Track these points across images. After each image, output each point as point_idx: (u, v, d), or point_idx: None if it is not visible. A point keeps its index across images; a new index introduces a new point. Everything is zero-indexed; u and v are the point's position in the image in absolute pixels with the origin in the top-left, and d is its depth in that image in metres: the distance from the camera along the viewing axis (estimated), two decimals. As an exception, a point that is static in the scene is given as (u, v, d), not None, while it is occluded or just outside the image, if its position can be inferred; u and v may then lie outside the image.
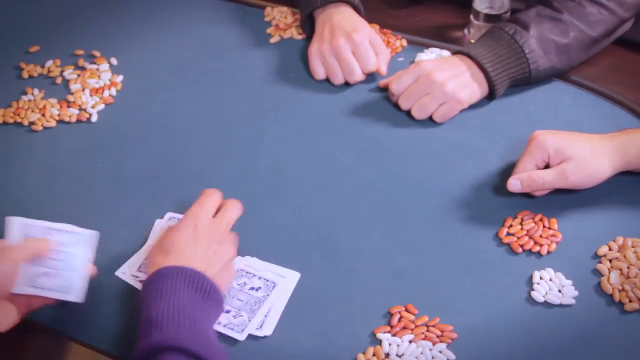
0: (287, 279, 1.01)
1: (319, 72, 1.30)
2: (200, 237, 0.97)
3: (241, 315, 0.97)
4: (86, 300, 0.96)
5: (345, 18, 1.31)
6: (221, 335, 0.95)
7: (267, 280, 1.00)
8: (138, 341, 0.87)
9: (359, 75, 1.28)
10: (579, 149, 1.07)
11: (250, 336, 0.96)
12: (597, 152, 1.07)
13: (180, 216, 1.03)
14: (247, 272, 1.01)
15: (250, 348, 0.95)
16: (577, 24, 1.25)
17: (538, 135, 1.10)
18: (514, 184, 1.09)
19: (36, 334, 0.98)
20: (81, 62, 1.34)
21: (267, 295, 0.99)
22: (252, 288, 1.00)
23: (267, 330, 0.96)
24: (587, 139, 1.09)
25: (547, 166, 1.10)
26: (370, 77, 1.30)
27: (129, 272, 1.02)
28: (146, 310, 0.89)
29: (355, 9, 1.34)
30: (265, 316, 0.97)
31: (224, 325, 0.96)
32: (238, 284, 1.00)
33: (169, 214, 1.08)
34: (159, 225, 1.07)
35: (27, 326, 0.95)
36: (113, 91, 1.29)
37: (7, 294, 0.91)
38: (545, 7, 1.26)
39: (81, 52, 1.36)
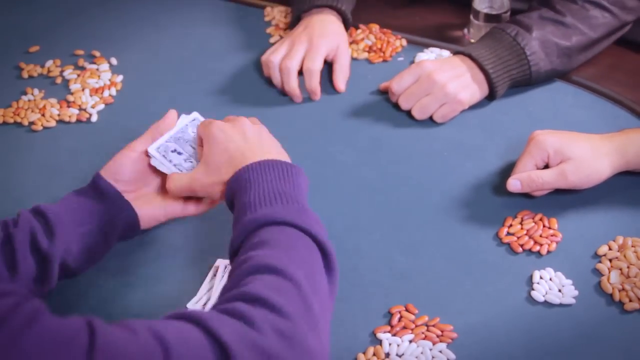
0: None
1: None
2: (248, 136, 0.99)
3: None
4: (85, 302, 0.96)
5: (323, 23, 1.30)
6: None
7: None
8: (233, 231, 0.88)
9: (293, 80, 1.26)
10: (579, 149, 1.07)
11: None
12: (597, 153, 1.07)
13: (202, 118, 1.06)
14: None
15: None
16: (580, 27, 1.25)
17: (537, 135, 1.10)
18: (514, 184, 1.09)
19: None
20: (81, 62, 1.34)
21: None
22: None
23: None
24: (586, 139, 1.09)
25: (546, 166, 1.10)
26: (371, 78, 1.30)
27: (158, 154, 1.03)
28: (236, 206, 0.91)
29: (342, 15, 1.33)
30: None
31: None
32: None
33: (194, 114, 1.08)
34: (184, 120, 1.07)
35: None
36: (113, 91, 1.30)
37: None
38: (548, 9, 1.26)
39: (81, 52, 1.36)
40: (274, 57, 1.27)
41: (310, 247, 0.86)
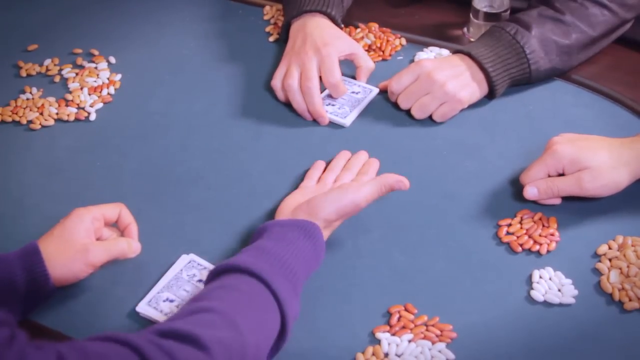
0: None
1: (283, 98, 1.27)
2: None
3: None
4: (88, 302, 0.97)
5: (319, 29, 1.26)
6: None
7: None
8: (237, 256, 0.94)
9: (318, 102, 1.22)
10: (597, 159, 1.05)
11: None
12: (616, 162, 1.05)
13: (200, 260, 1.03)
14: (198, 264, 1.04)
15: (249, 347, 0.95)
16: (579, 25, 1.24)
17: (555, 144, 1.07)
18: (531, 191, 1.08)
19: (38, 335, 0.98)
20: (80, 60, 1.34)
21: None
22: (200, 280, 1.04)
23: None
24: (606, 148, 1.06)
25: (561, 176, 1.08)
26: (370, 76, 1.29)
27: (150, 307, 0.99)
28: (259, 241, 0.97)
29: (332, 19, 1.30)
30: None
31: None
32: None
33: (190, 257, 1.04)
34: (179, 264, 1.03)
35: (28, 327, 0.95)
36: (111, 90, 1.29)
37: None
38: (547, 7, 1.26)
39: (80, 50, 1.36)
40: (291, 81, 1.22)
41: (275, 320, 0.91)
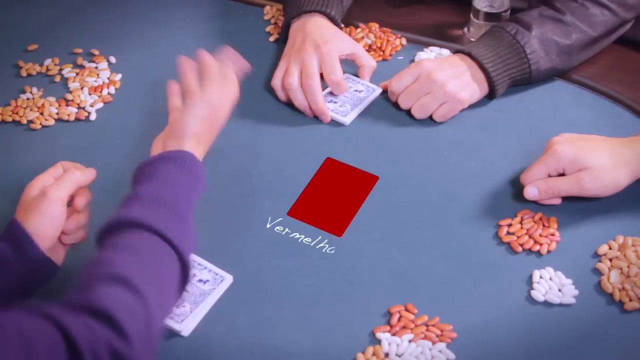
0: (225, 280, 1.00)
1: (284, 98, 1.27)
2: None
3: (184, 306, 0.97)
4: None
5: (318, 28, 1.27)
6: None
7: (217, 275, 1.01)
8: (115, 213, 0.92)
9: (320, 99, 1.22)
10: (597, 159, 1.05)
11: (249, 335, 0.96)
12: (617, 162, 1.05)
13: (200, 260, 1.02)
14: (198, 264, 1.00)
15: (250, 347, 0.95)
16: (579, 25, 1.24)
17: (555, 144, 1.07)
18: (531, 191, 1.08)
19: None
20: (80, 60, 1.34)
21: (214, 289, 0.99)
22: (200, 280, 0.99)
23: (186, 330, 0.96)
24: (607, 148, 1.06)
25: (561, 175, 1.08)
26: (371, 76, 1.29)
27: None
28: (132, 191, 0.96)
29: (332, 20, 1.30)
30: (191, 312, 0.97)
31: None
32: None
33: None
34: None
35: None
36: (112, 89, 1.29)
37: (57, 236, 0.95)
38: (548, 7, 1.26)
39: (80, 50, 1.36)
40: (291, 80, 1.22)
41: (172, 262, 0.89)
